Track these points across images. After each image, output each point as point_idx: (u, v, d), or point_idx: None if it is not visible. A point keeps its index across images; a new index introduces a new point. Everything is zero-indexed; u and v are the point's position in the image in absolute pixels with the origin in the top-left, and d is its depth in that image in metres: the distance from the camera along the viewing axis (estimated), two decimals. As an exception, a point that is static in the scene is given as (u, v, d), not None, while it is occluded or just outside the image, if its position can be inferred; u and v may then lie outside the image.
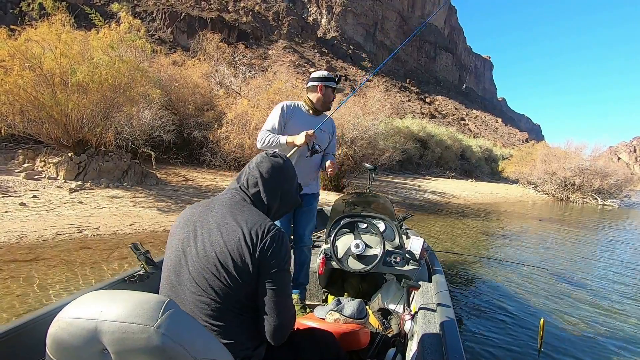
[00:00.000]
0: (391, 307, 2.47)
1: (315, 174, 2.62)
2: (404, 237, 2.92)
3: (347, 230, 2.70)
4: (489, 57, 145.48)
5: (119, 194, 7.17)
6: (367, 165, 3.65)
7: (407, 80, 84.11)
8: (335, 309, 2.00)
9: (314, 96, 2.56)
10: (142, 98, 8.96)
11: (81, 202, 6.39)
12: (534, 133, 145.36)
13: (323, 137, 2.58)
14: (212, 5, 58.16)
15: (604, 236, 10.48)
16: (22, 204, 5.80)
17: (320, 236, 3.77)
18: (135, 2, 48.56)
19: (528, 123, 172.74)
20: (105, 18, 9.47)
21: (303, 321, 1.86)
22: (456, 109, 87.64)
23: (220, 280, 1.09)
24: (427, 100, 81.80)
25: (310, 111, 2.58)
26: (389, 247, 2.61)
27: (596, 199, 23.70)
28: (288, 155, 2.02)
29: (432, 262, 2.73)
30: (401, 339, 1.97)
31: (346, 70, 69.81)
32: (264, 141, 2.39)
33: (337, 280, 2.92)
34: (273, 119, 2.46)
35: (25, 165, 7.71)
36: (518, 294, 4.57)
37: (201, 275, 1.10)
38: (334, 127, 2.87)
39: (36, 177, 7.26)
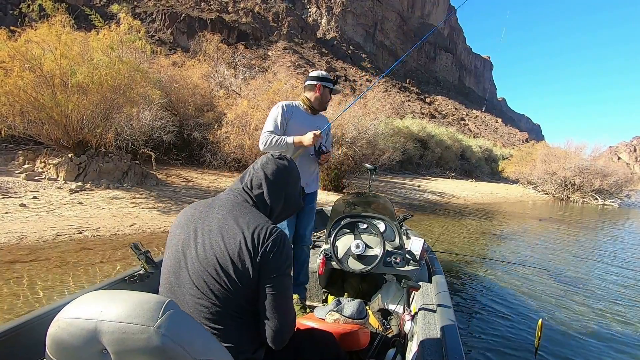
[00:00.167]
0: (391, 307, 2.47)
1: (314, 172, 2.63)
2: (404, 237, 2.92)
3: (348, 230, 2.70)
4: (489, 57, 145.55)
5: (119, 195, 7.17)
6: (367, 165, 3.65)
7: (407, 80, 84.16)
8: (335, 309, 2.00)
9: (311, 95, 2.56)
10: (142, 99, 8.96)
11: (81, 203, 6.39)
12: (534, 133, 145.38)
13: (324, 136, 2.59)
14: (211, 6, 58.20)
15: (604, 236, 10.48)
16: (22, 205, 5.80)
17: (321, 236, 3.77)
18: (135, 3, 48.62)
19: (528, 123, 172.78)
20: (105, 19, 9.48)
21: (303, 321, 1.86)
22: (456, 109, 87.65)
23: (220, 284, 1.08)
24: (427, 100, 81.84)
25: (309, 110, 2.57)
26: (389, 247, 2.61)
27: (596, 199, 23.70)
28: (292, 156, 2.02)
29: (432, 262, 2.73)
30: (401, 340, 1.97)
31: (346, 70, 69.84)
32: (268, 142, 2.37)
33: (337, 281, 2.92)
34: (274, 119, 2.44)
35: (26, 166, 7.72)
36: (518, 294, 4.57)
37: (201, 278, 1.09)
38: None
39: (36, 178, 7.26)
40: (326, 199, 10.15)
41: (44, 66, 6.97)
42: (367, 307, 2.48)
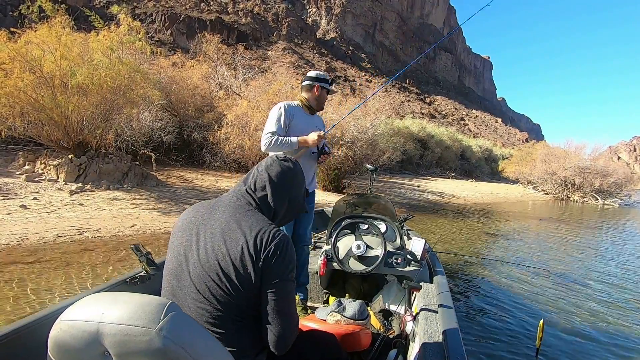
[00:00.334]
0: (392, 308, 2.46)
1: (314, 171, 2.64)
2: (405, 238, 2.91)
3: (348, 231, 2.70)
4: (489, 57, 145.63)
5: (119, 196, 7.17)
6: (368, 166, 3.65)
7: (407, 80, 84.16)
8: (336, 310, 2.00)
9: (310, 96, 2.58)
10: (142, 100, 8.96)
11: (81, 204, 6.39)
12: (534, 133, 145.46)
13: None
14: (211, 7, 58.24)
15: (604, 236, 10.47)
16: (23, 206, 5.80)
17: (321, 237, 3.77)
18: (135, 3, 48.64)
19: (528, 123, 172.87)
20: (104, 20, 9.49)
21: (304, 322, 1.86)
22: (456, 109, 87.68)
23: (222, 288, 1.06)
24: (427, 100, 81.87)
25: (307, 110, 2.58)
26: (390, 248, 2.61)
27: (596, 199, 23.70)
28: (294, 158, 2.01)
29: (433, 262, 2.73)
30: (402, 340, 1.97)
31: (345, 70, 69.87)
32: (272, 143, 2.35)
33: (338, 282, 2.91)
34: (277, 120, 2.42)
35: (26, 167, 7.72)
36: (519, 294, 4.57)
37: (203, 282, 1.08)
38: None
39: (36, 179, 7.26)
40: (326, 199, 10.15)
41: (44, 67, 6.98)
42: (369, 308, 2.48)
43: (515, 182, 29.86)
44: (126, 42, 8.61)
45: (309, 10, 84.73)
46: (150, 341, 0.78)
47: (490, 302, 4.19)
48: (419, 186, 19.27)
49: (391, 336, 2.14)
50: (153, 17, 48.93)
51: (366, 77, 69.25)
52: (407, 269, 2.53)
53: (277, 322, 1.10)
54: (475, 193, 20.41)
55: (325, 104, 2.70)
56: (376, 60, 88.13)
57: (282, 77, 16.60)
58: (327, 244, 2.72)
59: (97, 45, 7.76)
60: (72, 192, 6.83)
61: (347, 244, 2.57)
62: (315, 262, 2.68)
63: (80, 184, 7.28)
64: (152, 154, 8.94)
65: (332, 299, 2.73)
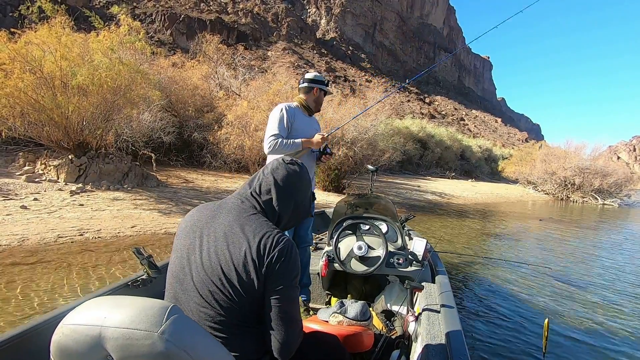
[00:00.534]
0: (394, 308, 2.46)
1: (312, 171, 2.65)
2: (407, 238, 2.91)
3: (350, 232, 2.69)
4: (488, 57, 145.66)
5: (119, 196, 7.16)
6: (369, 167, 3.65)
7: (407, 80, 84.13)
8: (338, 311, 1.99)
9: (310, 98, 2.59)
10: (142, 100, 8.95)
11: (82, 205, 6.38)
12: (534, 133, 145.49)
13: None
14: (211, 7, 58.24)
15: (605, 235, 10.47)
16: (23, 207, 5.79)
17: (323, 238, 3.76)
18: (135, 4, 48.63)
19: (527, 123, 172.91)
20: (104, 20, 9.49)
21: (306, 324, 1.85)
22: (455, 109, 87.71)
23: (224, 294, 1.05)
24: (427, 100, 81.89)
25: (306, 112, 2.59)
26: (391, 248, 2.60)
27: (596, 199, 23.70)
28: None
29: (434, 262, 2.73)
30: (405, 341, 1.96)
31: (345, 70, 69.88)
32: (277, 145, 2.34)
33: (340, 283, 2.90)
34: (280, 122, 2.41)
35: (26, 168, 7.71)
36: (521, 293, 4.56)
37: (205, 287, 1.06)
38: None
39: (37, 179, 7.25)
40: (326, 199, 10.15)
41: (44, 68, 6.97)
42: (371, 309, 2.47)
43: (515, 182, 29.87)
44: (126, 43, 8.61)
45: (308, 11, 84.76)
46: (152, 344, 0.78)
47: (492, 301, 4.18)
48: (419, 186, 19.27)
49: (393, 337, 2.13)
50: (153, 17, 48.92)
51: (366, 77, 69.23)
52: (409, 269, 2.53)
53: (280, 329, 1.08)
54: (475, 193, 20.41)
55: (326, 104, 2.71)
56: (376, 60, 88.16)
57: (282, 77, 16.57)
58: (329, 245, 2.71)
59: (97, 46, 7.75)
60: (72, 193, 6.83)
61: (349, 244, 2.56)
62: (317, 263, 2.68)
63: (80, 185, 7.27)
64: (152, 155, 8.93)
65: (334, 300, 2.73)
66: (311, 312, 2.47)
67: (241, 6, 64.48)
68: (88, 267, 4.10)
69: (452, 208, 13.80)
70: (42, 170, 7.73)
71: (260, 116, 11.35)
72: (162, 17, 48.95)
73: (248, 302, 1.07)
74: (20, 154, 8.27)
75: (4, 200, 5.96)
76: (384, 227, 2.79)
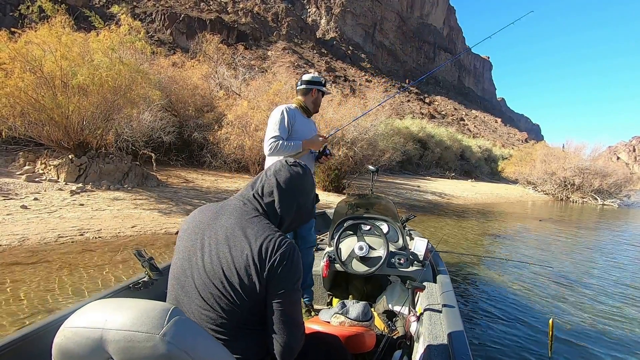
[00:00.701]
0: (396, 308, 2.45)
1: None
2: (408, 238, 2.91)
3: (350, 232, 2.69)
4: (488, 57, 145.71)
5: (119, 196, 7.16)
6: (370, 167, 3.65)
7: (407, 80, 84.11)
8: (340, 312, 1.99)
9: (308, 99, 2.60)
10: (142, 100, 8.95)
11: (82, 205, 6.38)
12: (534, 133, 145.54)
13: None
14: (211, 7, 58.22)
15: (604, 236, 10.47)
16: (24, 207, 5.79)
17: (324, 239, 3.76)
18: (135, 3, 48.62)
19: (527, 123, 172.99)
20: (104, 20, 9.48)
21: (308, 325, 1.84)
22: (455, 109, 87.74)
23: (226, 297, 1.05)
24: (427, 100, 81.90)
25: (304, 113, 2.59)
26: (392, 248, 2.60)
27: (596, 199, 23.71)
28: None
29: (436, 262, 2.72)
30: (407, 341, 1.96)
31: (345, 70, 69.86)
32: (278, 147, 2.34)
33: (342, 283, 2.90)
34: (281, 124, 2.40)
35: (26, 167, 7.70)
36: (523, 293, 4.56)
37: (207, 290, 1.06)
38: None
39: (37, 179, 7.24)
40: (326, 199, 10.14)
41: (45, 67, 6.97)
42: (372, 309, 2.47)
43: (515, 182, 29.87)
44: (126, 42, 8.60)
45: (308, 10, 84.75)
46: (154, 347, 0.78)
47: (494, 301, 4.18)
48: (418, 186, 19.28)
49: (395, 337, 2.13)
50: (153, 16, 48.88)
51: (366, 77, 69.23)
52: (410, 269, 2.52)
53: (283, 332, 1.08)
54: (475, 193, 20.42)
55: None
56: (376, 60, 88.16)
57: (282, 77, 16.56)
58: (330, 245, 2.71)
59: (98, 45, 7.75)
60: (72, 193, 6.82)
61: (350, 245, 2.56)
62: (318, 264, 2.68)
63: (80, 184, 7.27)
64: (153, 154, 8.93)
65: (335, 300, 2.73)
66: (313, 313, 2.46)
67: (241, 6, 64.45)
68: (89, 267, 4.10)
69: (452, 208, 13.80)
70: (42, 169, 7.72)
71: (261, 116, 11.34)
72: (162, 17, 48.92)
73: (250, 305, 1.07)
74: (21, 153, 8.26)
75: (4, 199, 5.96)
76: (384, 228, 2.79)
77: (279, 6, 71.60)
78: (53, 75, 7.05)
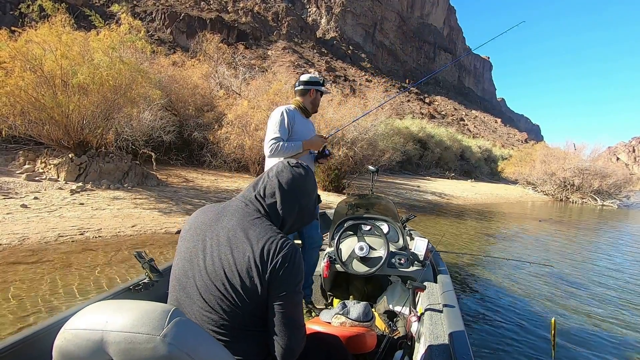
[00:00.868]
0: (397, 309, 2.45)
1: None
2: (408, 238, 2.90)
3: (351, 232, 2.69)
4: (488, 58, 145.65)
5: (119, 195, 7.15)
6: (370, 167, 3.65)
7: (407, 80, 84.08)
8: (340, 313, 1.99)
9: (306, 100, 2.60)
10: (143, 99, 8.94)
11: (82, 204, 6.37)
12: (533, 133, 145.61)
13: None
14: (211, 6, 58.17)
15: (604, 237, 10.47)
16: (24, 206, 5.78)
17: (324, 239, 3.76)
18: (135, 2, 48.59)
19: (527, 123, 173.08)
20: (104, 19, 9.47)
21: (309, 325, 1.84)
22: (455, 109, 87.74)
23: (227, 299, 1.05)
24: (427, 100, 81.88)
25: (303, 114, 2.59)
26: (393, 248, 2.60)
27: (595, 200, 23.72)
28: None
29: (436, 262, 2.72)
30: (408, 341, 1.96)
31: (345, 70, 69.84)
32: (279, 148, 2.33)
33: (342, 284, 2.90)
34: (281, 125, 2.40)
35: (26, 166, 7.69)
36: (524, 292, 4.55)
37: (208, 292, 1.06)
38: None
39: (37, 178, 7.24)
40: (326, 199, 10.14)
41: (45, 66, 6.96)
42: (373, 309, 2.47)
43: (515, 182, 29.89)
44: (127, 41, 8.59)
45: (309, 10, 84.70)
46: (155, 348, 0.78)
47: (495, 300, 4.18)
48: (418, 186, 19.28)
49: (396, 337, 2.13)
50: (153, 15, 48.84)
51: (366, 76, 69.21)
52: (411, 269, 2.52)
53: (284, 334, 1.08)
54: (474, 193, 20.42)
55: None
56: (376, 60, 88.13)
57: (282, 77, 16.54)
58: (330, 246, 2.71)
59: (98, 45, 7.74)
60: (72, 192, 6.82)
61: (350, 245, 2.56)
62: (318, 264, 2.67)
63: (80, 184, 7.26)
64: (153, 154, 8.92)
65: (336, 301, 2.72)
66: (314, 314, 2.46)
67: (241, 5, 64.40)
68: (89, 267, 4.09)
69: (452, 208, 13.80)
70: (42, 169, 7.71)
71: (261, 116, 11.33)
72: (162, 16, 48.89)
73: (251, 306, 1.07)
74: (21, 152, 8.25)
75: (4, 199, 5.95)
76: (385, 228, 2.79)
77: (279, 6, 71.55)
78: (53, 74, 7.04)
